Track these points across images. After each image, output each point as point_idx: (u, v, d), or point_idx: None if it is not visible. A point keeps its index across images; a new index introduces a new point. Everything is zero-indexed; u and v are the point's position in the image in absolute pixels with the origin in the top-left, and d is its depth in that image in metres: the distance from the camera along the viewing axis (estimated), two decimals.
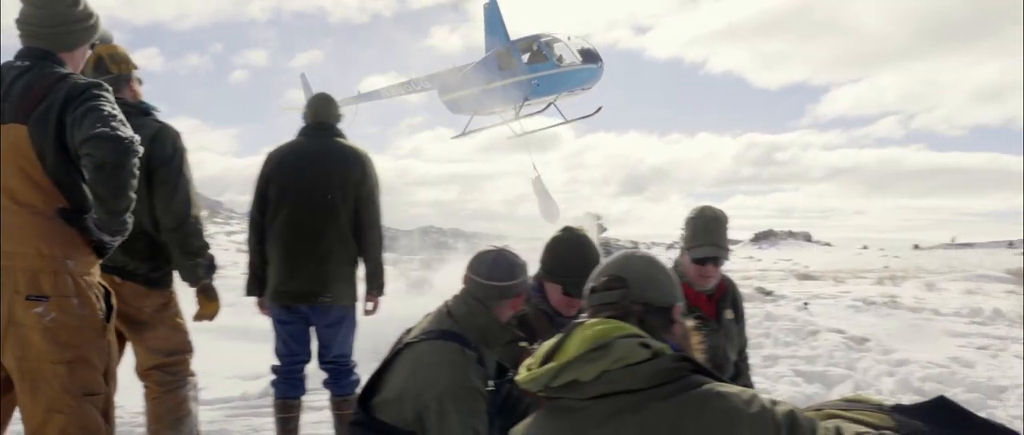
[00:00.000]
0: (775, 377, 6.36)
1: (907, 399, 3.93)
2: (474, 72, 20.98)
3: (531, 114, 21.23)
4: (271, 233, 4.14)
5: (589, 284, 2.10)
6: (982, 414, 5.20)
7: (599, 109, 20.82)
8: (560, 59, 20.11)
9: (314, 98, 4.38)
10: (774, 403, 1.76)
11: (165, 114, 3.44)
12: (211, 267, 3.49)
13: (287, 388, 4.17)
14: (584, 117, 20.92)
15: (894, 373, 6.36)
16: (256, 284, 4.23)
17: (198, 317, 3.58)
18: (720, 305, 3.82)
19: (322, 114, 4.27)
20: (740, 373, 3.94)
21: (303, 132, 4.27)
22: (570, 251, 3.11)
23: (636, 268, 2.04)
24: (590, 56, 20.30)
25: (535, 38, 20.68)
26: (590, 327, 1.84)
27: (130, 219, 2.60)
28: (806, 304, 11.58)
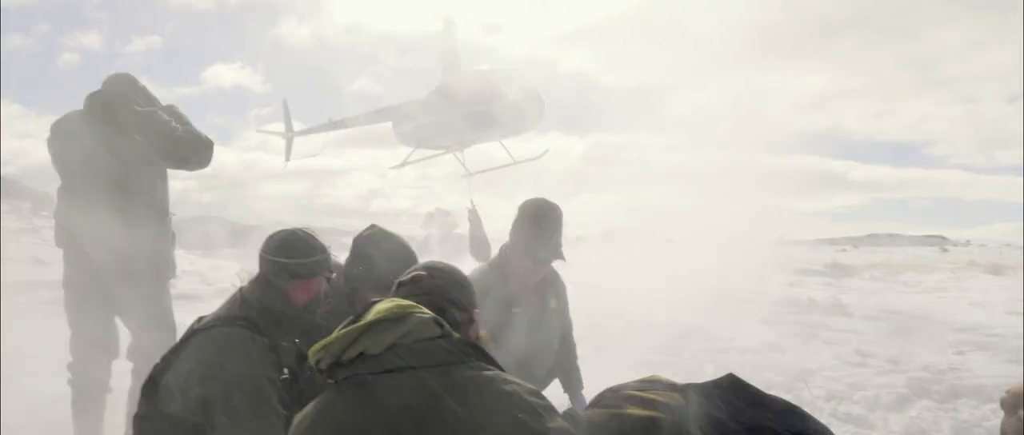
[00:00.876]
0: (605, 364, 6.56)
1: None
2: (423, 106, 20.48)
3: (474, 143, 20.60)
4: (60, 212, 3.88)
5: (398, 279, 2.14)
6: (788, 395, 5.58)
7: (546, 152, 20.63)
8: (504, 98, 19.49)
9: (109, 78, 4.08)
10: (552, 410, 1.79)
11: None
12: None
13: (85, 383, 3.88)
14: (531, 160, 20.52)
15: (716, 359, 6.72)
16: None
17: None
18: (544, 292, 3.88)
19: (109, 84, 4.00)
20: (565, 359, 4.04)
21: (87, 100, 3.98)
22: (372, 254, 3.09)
23: (444, 269, 2.15)
24: (531, 97, 19.87)
25: (481, 73, 20.31)
26: (389, 301, 1.86)
27: None
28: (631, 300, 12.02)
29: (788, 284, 16.15)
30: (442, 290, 2.04)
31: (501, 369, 1.84)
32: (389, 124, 21.97)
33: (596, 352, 7.10)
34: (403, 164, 21.87)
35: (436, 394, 1.70)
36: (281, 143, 24.57)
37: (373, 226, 3.16)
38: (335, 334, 1.82)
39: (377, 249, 3.04)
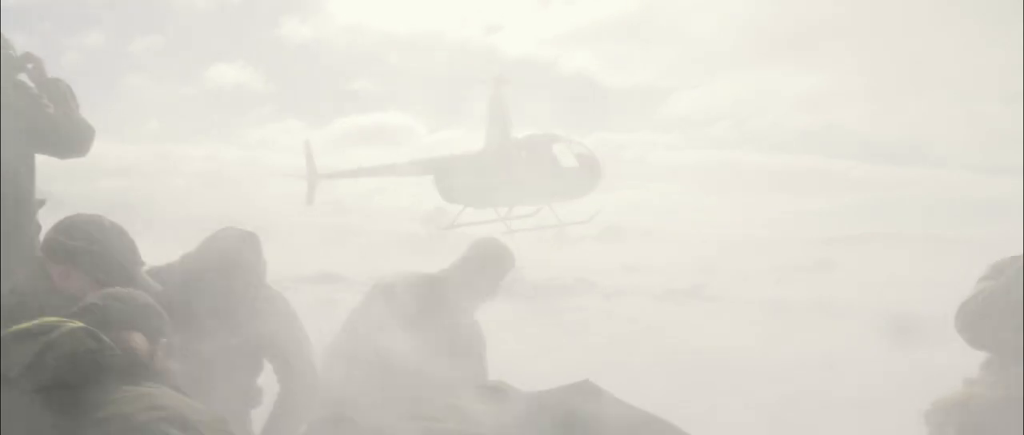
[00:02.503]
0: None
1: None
2: (470, 164, 20.59)
3: (523, 216, 20.81)
4: None
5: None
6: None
7: (597, 214, 20.81)
8: (558, 163, 19.86)
9: None
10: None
11: None
12: None
13: None
14: (579, 223, 20.80)
15: (667, 360, 6.38)
16: None
17: None
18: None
19: None
20: None
21: None
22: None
23: (125, 296, 1.88)
24: (588, 163, 20.11)
25: (536, 138, 20.51)
26: (48, 317, 1.62)
27: None
28: (608, 296, 11.81)
29: (776, 282, 15.74)
30: (121, 314, 1.75)
31: (180, 390, 1.61)
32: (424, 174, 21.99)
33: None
34: (452, 226, 21.73)
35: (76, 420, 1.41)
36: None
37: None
38: None
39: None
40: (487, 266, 3.44)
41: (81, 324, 1.57)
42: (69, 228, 2.29)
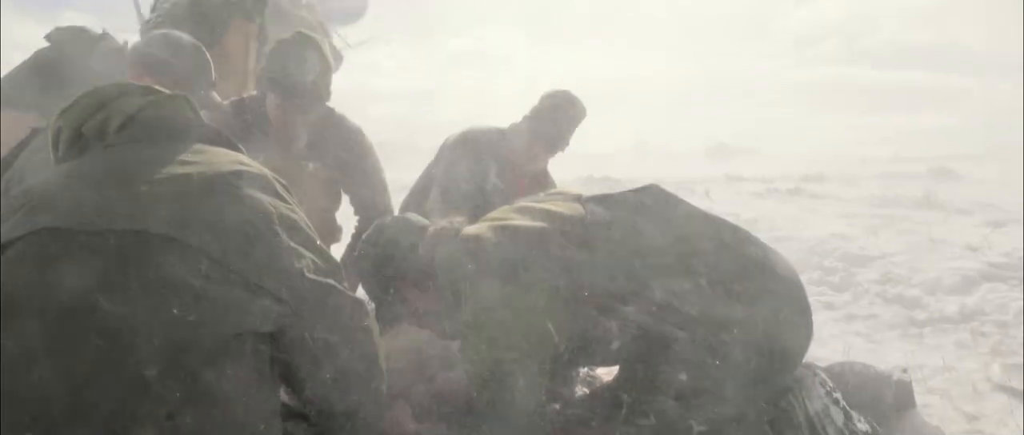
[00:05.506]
0: None
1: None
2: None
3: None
4: None
5: None
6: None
7: (369, 39, 22.81)
8: None
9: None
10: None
11: None
12: None
13: None
14: (361, 43, 22.72)
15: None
16: None
17: None
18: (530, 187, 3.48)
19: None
20: None
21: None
22: (286, 56, 2.68)
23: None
24: None
25: None
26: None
27: None
28: (708, 192, 11.47)
29: (881, 186, 15.06)
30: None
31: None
32: None
33: None
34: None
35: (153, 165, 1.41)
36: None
37: (299, 33, 2.78)
38: (78, 97, 1.51)
39: (287, 54, 2.68)
40: (558, 115, 3.31)
41: (184, 94, 1.60)
42: (150, 41, 2.36)
